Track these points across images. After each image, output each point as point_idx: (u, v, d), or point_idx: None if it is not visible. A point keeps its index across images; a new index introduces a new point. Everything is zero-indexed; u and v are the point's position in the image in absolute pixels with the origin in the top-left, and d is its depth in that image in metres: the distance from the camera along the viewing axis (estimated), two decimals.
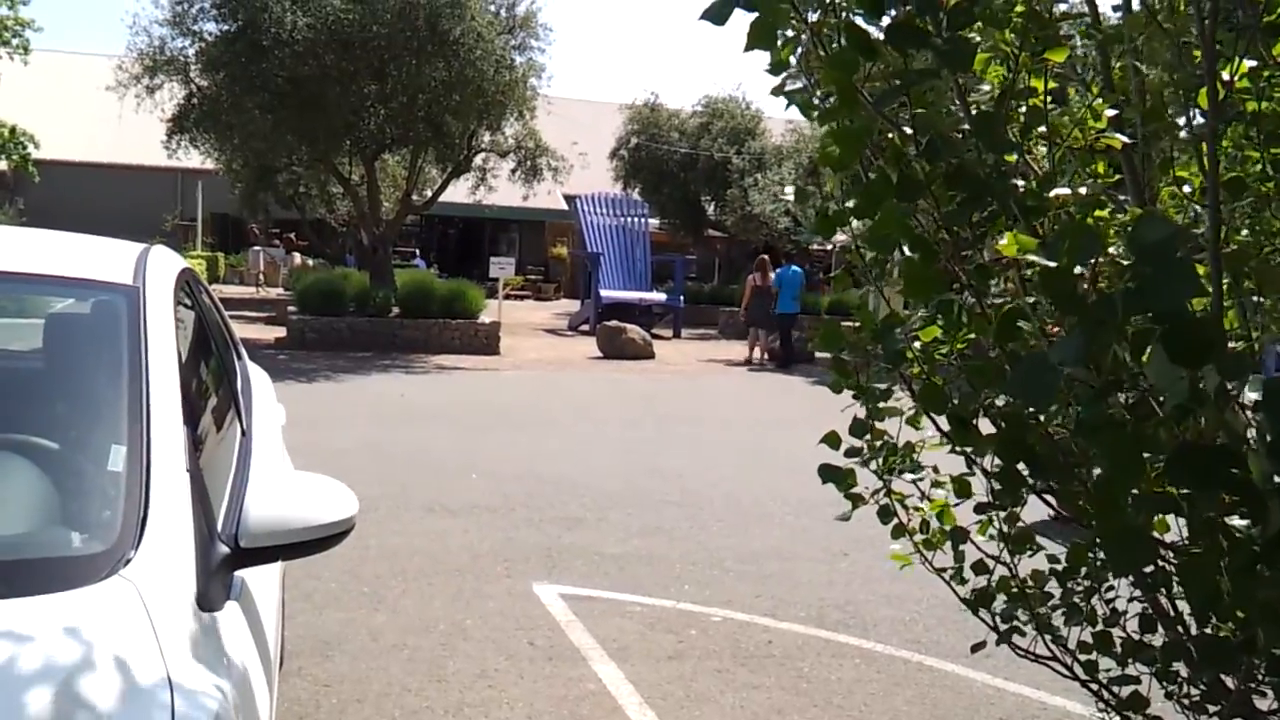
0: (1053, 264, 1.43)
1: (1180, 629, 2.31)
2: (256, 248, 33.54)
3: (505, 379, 14.99)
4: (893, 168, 1.84)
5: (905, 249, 1.92)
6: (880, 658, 5.14)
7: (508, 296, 30.21)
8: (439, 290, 18.01)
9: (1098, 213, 2.05)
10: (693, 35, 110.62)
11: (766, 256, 19.71)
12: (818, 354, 19.98)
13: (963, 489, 2.55)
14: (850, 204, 2.05)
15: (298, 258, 32.36)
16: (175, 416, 2.32)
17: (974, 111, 1.92)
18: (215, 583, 2.13)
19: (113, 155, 33.24)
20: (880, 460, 2.54)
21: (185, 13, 17.49)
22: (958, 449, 2.39)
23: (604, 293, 23.63)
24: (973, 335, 2.10)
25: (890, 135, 1.90)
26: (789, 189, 24.83)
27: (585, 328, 23.53)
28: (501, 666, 4.68)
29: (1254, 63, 1.67)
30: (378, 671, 4.57)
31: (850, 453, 2.62)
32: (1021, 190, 1.83)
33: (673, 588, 5.95)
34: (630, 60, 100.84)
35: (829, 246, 30.89)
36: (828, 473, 2.56)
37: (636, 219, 25.62)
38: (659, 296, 24.09)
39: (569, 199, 32.54)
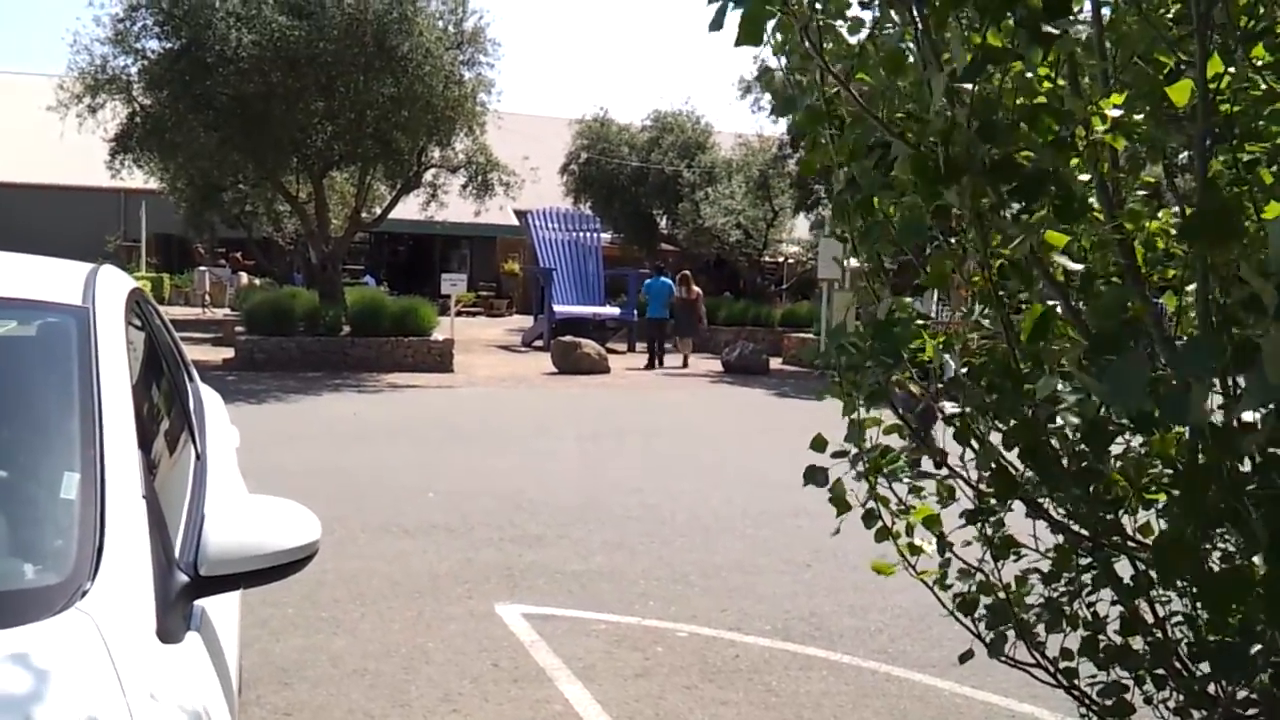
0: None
1: (1160, 634, 2.30)
2: (202, 268, 33.07)
3: (460, 396, 14.86)
4: (909, 163, 1.78)
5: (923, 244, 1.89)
6: (847, 669, 5.11)
7: (460, 313, 30.02)
8: (390, 308, 17.83)
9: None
10: (641, 50, 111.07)
11: (688, 272, 21.64)
12: (773, 365, 20.10)
13: (947, 495, 2.52)
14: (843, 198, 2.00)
15: (244, 277, 31.96)
16: (129, 441, 2.24)
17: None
18: (175, 613, 2.05)
19: (53, 176, 32.61)
20: (864, 464, 2.50)
21: (127, 31, 17.18)
22: (933, 457, 2.36)
23: (557, 308, 23.56)
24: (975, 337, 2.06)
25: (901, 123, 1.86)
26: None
27: (539, 343, 23.43)
28: (465, 690, 4.59)
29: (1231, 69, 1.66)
30: (339, 698, 4.46)
31: (838, 455, 2.57)
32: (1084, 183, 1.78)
33: (637, 604, 5.89)
34: (579, 76, 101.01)
35: (779, 259, 31.15)
36: (813, 475, 2.51)
37: (589, 233, 25.60)
38: (613, 311, 24.07)
39: (520, 214, 32.42)
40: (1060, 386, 1.63)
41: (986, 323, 2.15)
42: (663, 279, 21.26)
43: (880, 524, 2.62)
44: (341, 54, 16.12)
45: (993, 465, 2.05)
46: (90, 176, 27.66)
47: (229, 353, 17.74)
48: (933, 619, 5.83)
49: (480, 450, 10.54)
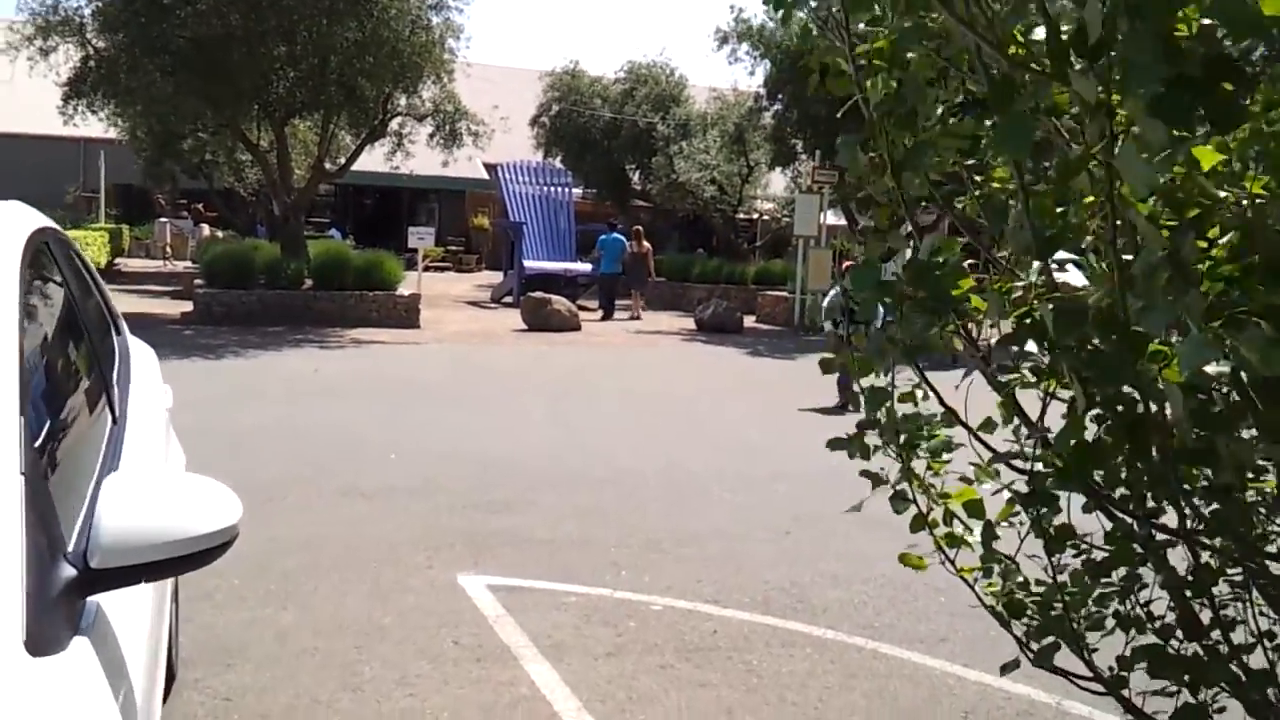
0: None
1: (1214, 637, 1.98)
2: (163, 219, 32.32)
3: (426, 353, 14.43)
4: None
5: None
6: (832, 646, 4.81)
7: (427, 268, 29.43)
8: (355, 261, 17.30)
9: None
10: (614, 1, 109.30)
11: (640, 228, 22.50)
12: (747, 323, 19.79)
13: (985, 476, 2.16)
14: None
15: (206, 229, 31.20)
16: (9, 407, 1.86)
17: None
18: (54, 616, 1.68)
19: (6, 124, 31.53)
20: (896, 437, 2.14)
21: None
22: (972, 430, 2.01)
23: (528, 264, 23.08)
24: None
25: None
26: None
27: (509, 300, 22.99)
28: (423, 671, 4.25)
29: None
30: (284, 681, 4.11)
31: (866, 425, 2.21)
32: None
33: (609, 574, 5.57)
34: (549, 27, 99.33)
35: (754, 215, 30.75)
36: (837, 443, 2.17)
37: (560, 188, 25.07)
38: (584, 267, 23.59)
39: (490, 168, 31.79)
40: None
41: (1033, 277, 1.77)
42: (615, 235, 21.69)
43: (913, 509, 2.25)
44: None
45: (1072, 442, 1.69)
46: (47, 125, 26.76)
47: (188, 306, 17.17)
48: (918, 589, 5.55)
49: (446, 410, 10.16)
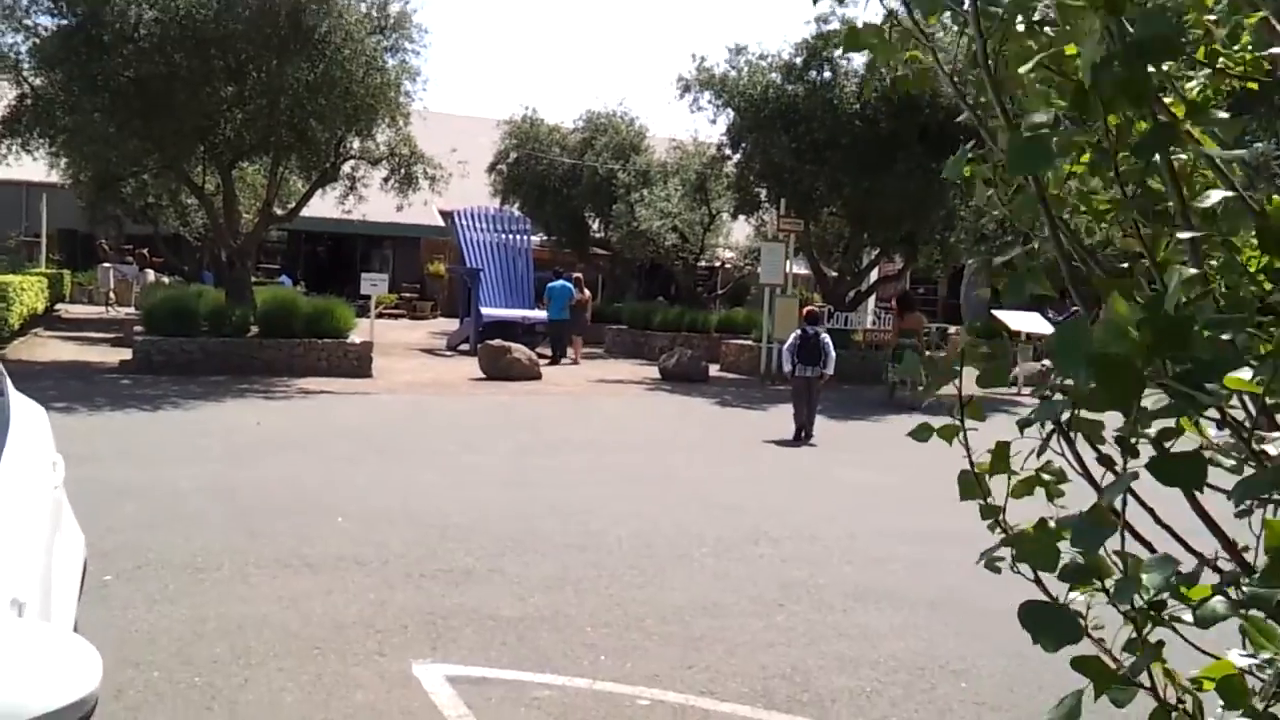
0: None
1: None
2: (106, 264, 31.27)
3: (378, 404, 13.68)
4: None
5: None
6: None
7: (381, 315, 28.68)
8: (303, 308, 16.51)
9: None
10: (571, 53, 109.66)
11: (580, 275, 22.81)
12: (713, 373, 19.25)
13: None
14: None
15: (151, 275, 30.22)
16: None
17: None
18: None
19: None
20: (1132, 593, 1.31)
21: (16, 4, 15.70)
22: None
23: (485, 310, 22.44)
24: None
25: None
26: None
27: (465, 347, 22.30)
28: None
29: None
30: None
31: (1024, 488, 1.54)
32: None
33: (586, 660, 4.90)
34: (506, 76, 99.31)
35: (717, 263, 30.36)
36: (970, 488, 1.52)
37: (518, 235, 24.51)
38: (543, 315, 22.96)
39: (446, 215, 31.18)
40: None
41: None
42: (562, 281, 21.81)
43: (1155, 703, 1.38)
44: (253, 34, 14.86)
45: None
46: None
47: (128, 354, 16.28)
48: (935, 674, 4.95)
49: (399, 466, 9.44)
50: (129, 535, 6.62)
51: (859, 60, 18.21)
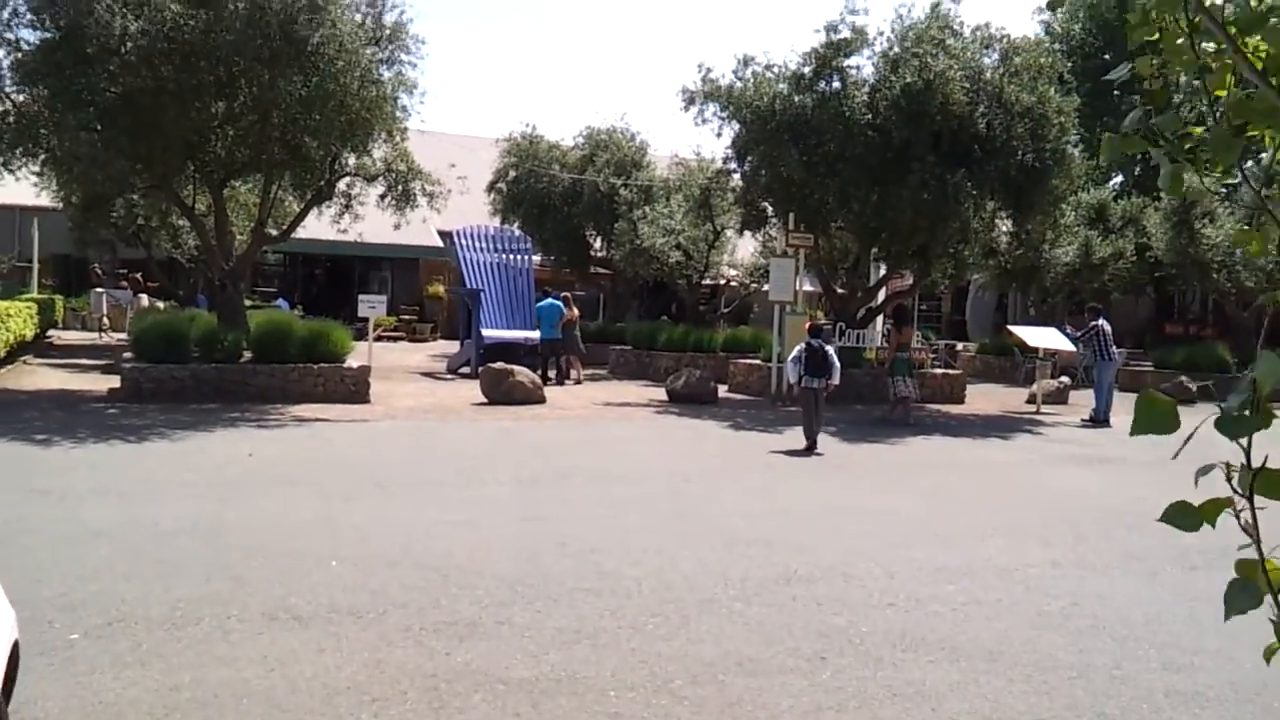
0: None
1: None
2: (99, 289, 30.71)
3: (377, 431, 13.07)
4: None
5: None
6: None
7: (379, 338, 28.11)
8: (298, 331, 15.89)
9: None
10: (570, 70, 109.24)
11: (568, 295, 22.40)
12: (721, 393, 18.66)
13: None
14: None
15: (145, 300, 29.63)
16: None
17: None
18: None
19: None
20: None
21: None
22: None
23: (486, 333, 21.87)
24: None
25: None
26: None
27: (466, 370, 21.72)
28: None
29: None
30: None
31: None
32: None
33: None
34: (504, 95, 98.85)
35: (721, 281, 29.78)
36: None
37: (519, 254, 23.95)
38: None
39: (444, 235, 30.63)
40: None
41: None
42: (551, 300, 21.42)
43: None
44: (243, 46, 14.29)
45: None
46: None
47: (117, 382, 15.67)
48: None
49: (398, 501, 8.82)
50: (102, 585, 6.01)
51: (869, 69, 17.71)
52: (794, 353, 13.64)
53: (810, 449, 12.73)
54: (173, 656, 4.92)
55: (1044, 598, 6.65)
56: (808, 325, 14.38)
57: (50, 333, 28.20)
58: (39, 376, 17.82)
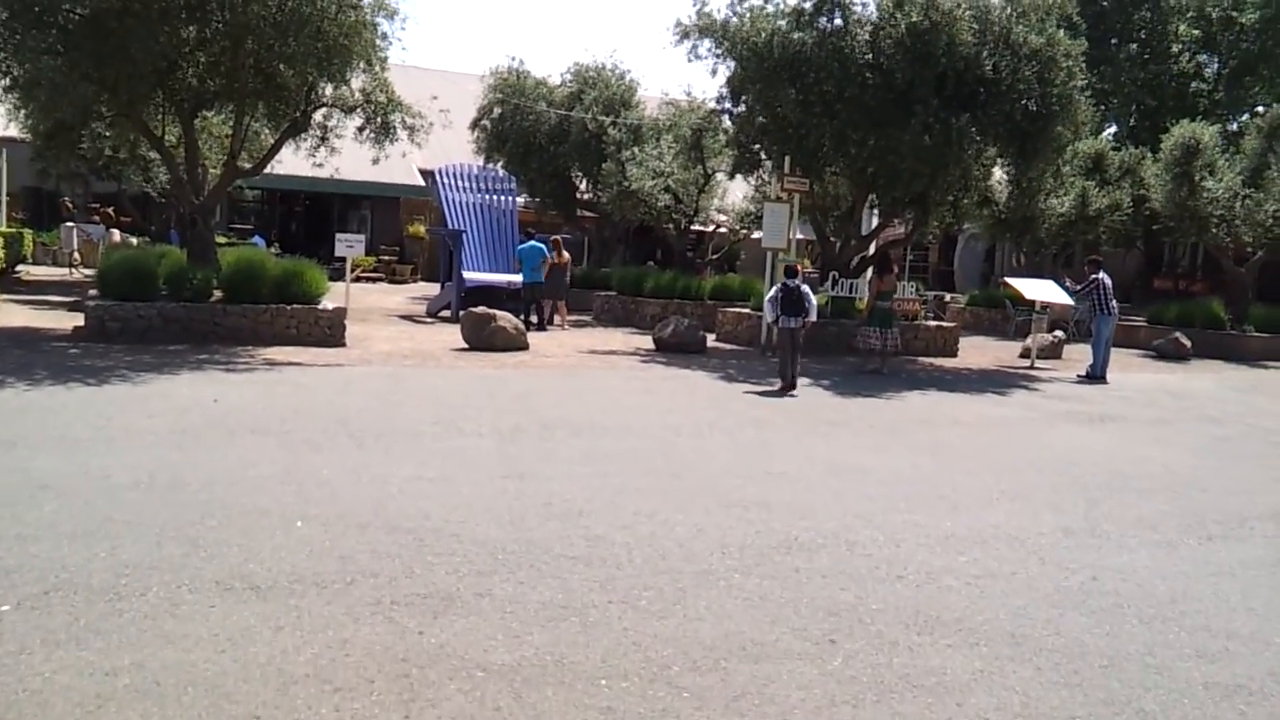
0: None
1: None
2: (69, 224, 29.83)
3: (351, 377, 12.49)
4: None
5: None
6: None
7: (357, 279, 27.44)
8: (271, 270, 15.23)
9: None
10: (559, 5, 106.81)
11: (558, 239, 21.43)
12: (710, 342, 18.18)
13: None
14: None
15: (117, 235, 28.79)
16: None
17: None
18: None
19: None
20: None
21: None
22: None
23: (468, 275, 21.24)
24: None
25: None
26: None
27: (446, 314, 21.14)
28: None
29: None
30: None
31: None
32: None
33: None
34: (490, 30, 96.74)
35: (710, 228, 29.12)
36: None
37: (503, 195, 23.24)
38: None
39: (426, 173, 29.83)
40: None
41: None
42: (533, 243, 20.53)
43: None
44: None
45: None
46: None
47: (81, 320, 15.02)
48: None
49: (372, 453, 8.28)
50: (42, 546, 5.47)
51: (872, 6, 16.97)
52: (770, 293, 14.19)
53: (786, 389, 13.10)
54: (113, 634, 4.41)
55: (1061, 571, 6.21)
56: (784, 266, 14.67)
57: (19, 268, 27.37)
58: (2, 313, 17.12)
